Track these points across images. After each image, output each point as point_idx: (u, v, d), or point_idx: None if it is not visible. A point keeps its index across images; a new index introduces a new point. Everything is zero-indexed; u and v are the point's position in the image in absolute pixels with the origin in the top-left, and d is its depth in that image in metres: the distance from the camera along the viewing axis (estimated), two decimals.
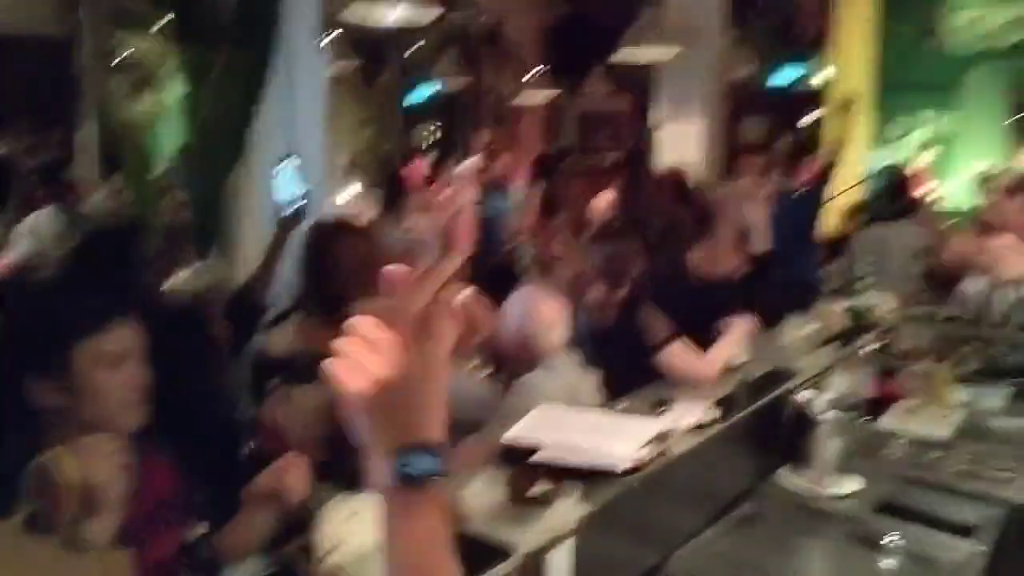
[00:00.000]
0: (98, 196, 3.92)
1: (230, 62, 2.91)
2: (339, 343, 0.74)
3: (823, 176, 5.32)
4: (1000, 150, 7.98)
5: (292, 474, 1.55)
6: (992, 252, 3.89)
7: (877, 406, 3.19)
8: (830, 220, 6.04)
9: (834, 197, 6.14)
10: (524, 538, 1.70)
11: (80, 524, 1.35)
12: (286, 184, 2.49)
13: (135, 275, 1.92)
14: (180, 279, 2.83)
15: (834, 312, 3.74)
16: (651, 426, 2.11)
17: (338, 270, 1.96)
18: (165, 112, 3.49)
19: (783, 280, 3.96)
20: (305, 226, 2.39)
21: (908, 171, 5.30)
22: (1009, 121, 8.31)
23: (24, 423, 1.45)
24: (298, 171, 2.50)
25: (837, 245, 5.35)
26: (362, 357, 0.74)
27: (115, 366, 1.50)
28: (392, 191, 5.84)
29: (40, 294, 1.62)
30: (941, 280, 4.43)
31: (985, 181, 4.58)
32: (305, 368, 1.86)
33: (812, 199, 5.04)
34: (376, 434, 0.75)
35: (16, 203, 3.98)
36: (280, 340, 1.99)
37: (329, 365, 0.74)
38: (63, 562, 1.35)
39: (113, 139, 3.81)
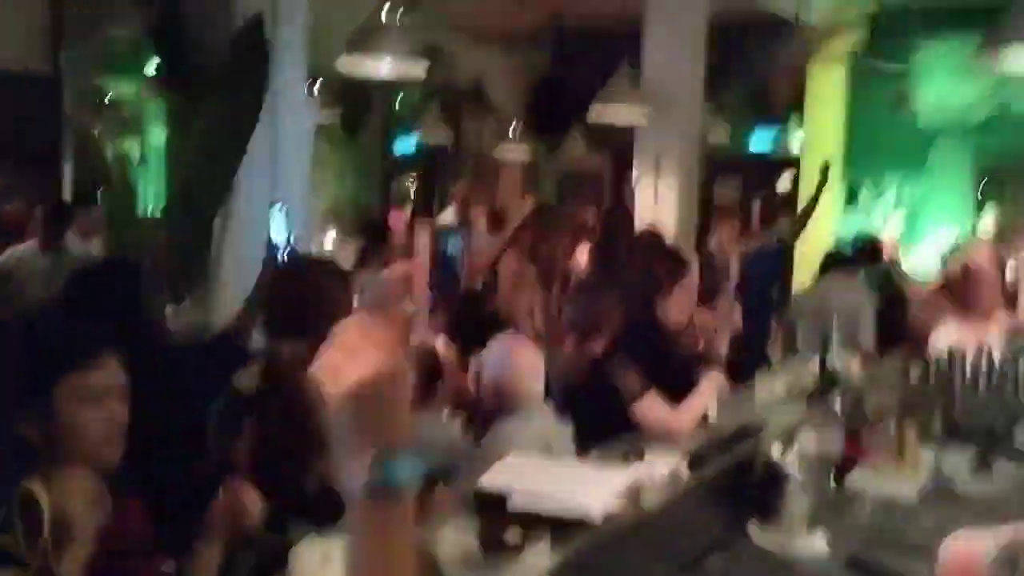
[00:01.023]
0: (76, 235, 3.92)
1: (218, 109, 2.95)
2: (324, 348, 0.77)
3: (791, 238, 5.48)
4: (964, 219, 8.21)
5: (244, 497, 1.55)
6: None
7: (845, 464, 3.22)
8: (800, 280, 6.18)
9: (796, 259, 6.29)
10: None
11: (52, 556, 1.34)
12: (276, 228, 2.54)
13: (122, 313, 1.93)
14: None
15: (804, 369, 3.80)
16: (624, 477, 2.14)
17: (311, 305, 1.98)
18: (148, 154, 3.53)
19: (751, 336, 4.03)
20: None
21: (879, 235, 5.49)
22: (974, 191, 8.58)
23: (5, 455, 1.45)
24: (286, 217, 2.55)
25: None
26: (345, 360, 0.76)
27: (96, 402, 1.51)
28: (371, 240, 5.89)
29: (25, 328, 1.62)
30: (904, 339, 4.55)
31: (951, 254, 4.73)
32: (275, 406, 1.87)
33: (778, 259, 5.16)
34: (357, 436, 0.76)
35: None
36: (250, 378, 1.99)
37: (314, 369, 0.77)
38: None
39: (90, 179, 3.83)
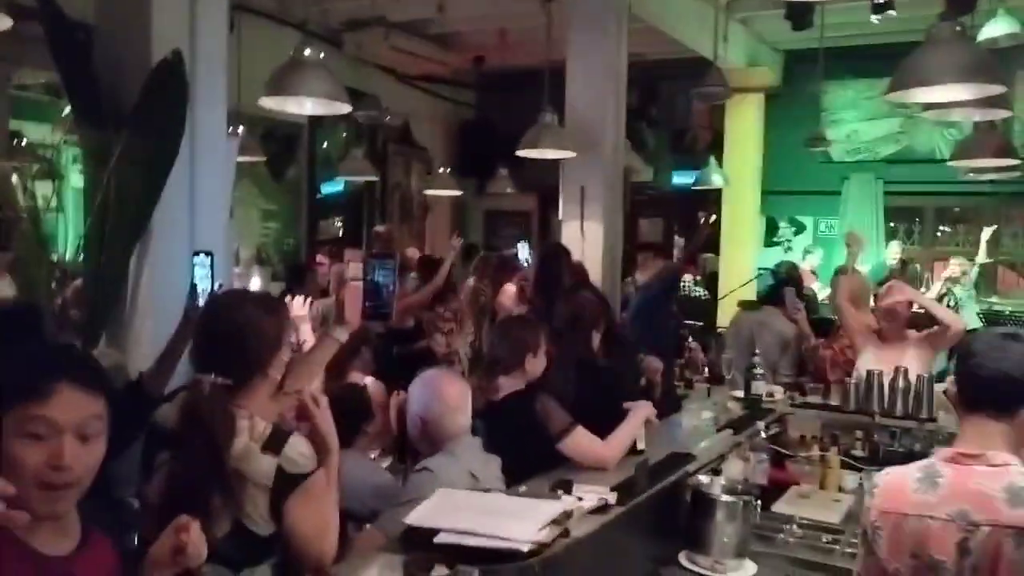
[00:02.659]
0: None
1: (131, 149, 2.89)
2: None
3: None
4: (875, 249, 8.52)
5: (190, 532, 1.46)
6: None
7: (771, 491, 3.27)
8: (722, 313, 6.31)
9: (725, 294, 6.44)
10: None
11: None
12: (199, 276, 2.48)
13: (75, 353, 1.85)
14: None
15: (729, 400, 3.86)
16: (552, 507, 2.13)
17: (237, 339, 1.92)
18: (61, 199, 3.43)
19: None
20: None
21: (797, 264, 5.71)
22: (883, 224, 8.93)
23: None
24: (210, 265, 2.49)
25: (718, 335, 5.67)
26: None
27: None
28: (295, 282, 5.83)
29: None
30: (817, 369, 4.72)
31: (837, 274, 4.99)
32: (192, 441, 1.81)
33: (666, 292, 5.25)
34: None
35: None
36: (170, 413, 1.93)
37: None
38: None
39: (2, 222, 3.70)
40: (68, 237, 3.70)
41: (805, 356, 4.91)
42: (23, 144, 5.88)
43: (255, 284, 7.20)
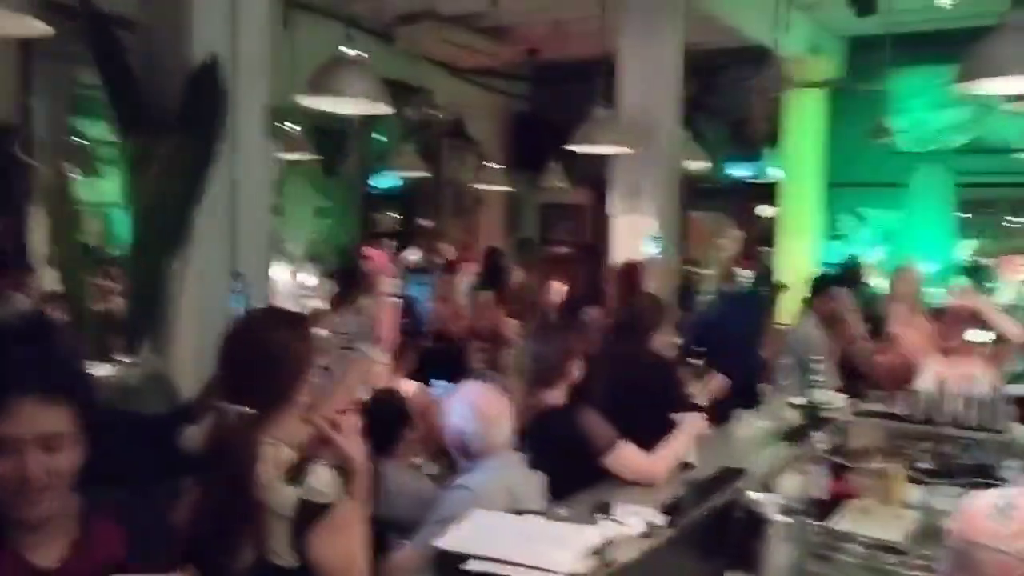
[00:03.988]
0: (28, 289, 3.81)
1: (173, 151, 2.86)
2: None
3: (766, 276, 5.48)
4: (945, 245, 8.17)
5: None
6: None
7: (829, 506, 3.12)
8: (780, 317, 6.10)
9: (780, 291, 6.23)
10: None
11: None
12: (235, 301, 2.45)
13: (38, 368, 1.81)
14: (110, 371, 2.72)
15: (785, 409, 3.69)
16: (595, 533, 2.02)
17: (263, 364, 1.85)
18: (112, 199, 3.44)
19: (732, 374, 3.94)
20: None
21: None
22: (953, 218, 8.55)
23: None
24: (247, 290, 2.46)
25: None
26: None
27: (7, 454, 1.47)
28: (348, 281, 5.79)
29: None
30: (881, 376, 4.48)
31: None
32: (218, 469, 1.75)
33: (756, 297, 5.10)
34: None
35: None
36: (196, 436, 1.87)
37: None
38: None
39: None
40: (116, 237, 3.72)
41: (857, 359, 4.62)
42: (81, 143, 5.98)
43: (309, 282, 7.24)
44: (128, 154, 3.07)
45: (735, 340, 4.45)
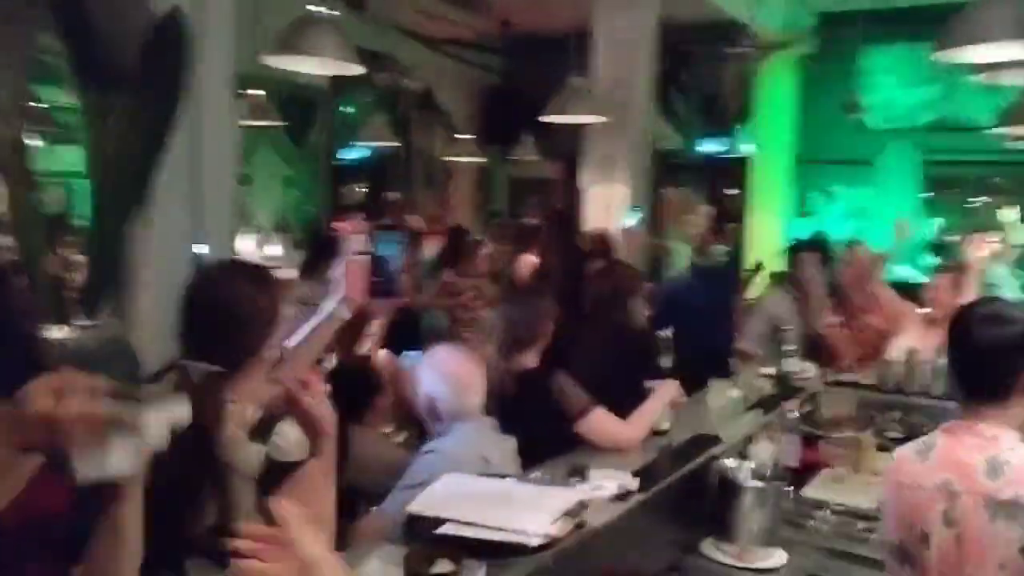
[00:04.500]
0: None
1: (132, 107, 2.75)
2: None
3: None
4: (915, 222, 8.21)
5: None
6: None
7: (801, 474, 3.11)
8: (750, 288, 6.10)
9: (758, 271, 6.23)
10: None
11: None
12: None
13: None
14: (66, 334, 2.63)
15: (757, 378, 3.68)
16: (567, 497, 1.98)
17: (227, 317, 1.76)
18: (75, 169, 3.31)
19: (702, 346, 3.91)
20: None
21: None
22: (922, 195, 8.61)
23: None
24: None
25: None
26: None
27: None
28: (317, 251, 5.69)
29: None
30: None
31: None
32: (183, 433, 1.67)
33: (729, 271, 5.07)
34: None
35: None
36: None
37: None
38: None
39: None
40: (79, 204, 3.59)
41: (816, 333, 4.53)
42: (37, 107, 5.80)
43: (276, 251, 7.11)
44: (86, 110, 2.96)
45: (706, 313, 4.43)
